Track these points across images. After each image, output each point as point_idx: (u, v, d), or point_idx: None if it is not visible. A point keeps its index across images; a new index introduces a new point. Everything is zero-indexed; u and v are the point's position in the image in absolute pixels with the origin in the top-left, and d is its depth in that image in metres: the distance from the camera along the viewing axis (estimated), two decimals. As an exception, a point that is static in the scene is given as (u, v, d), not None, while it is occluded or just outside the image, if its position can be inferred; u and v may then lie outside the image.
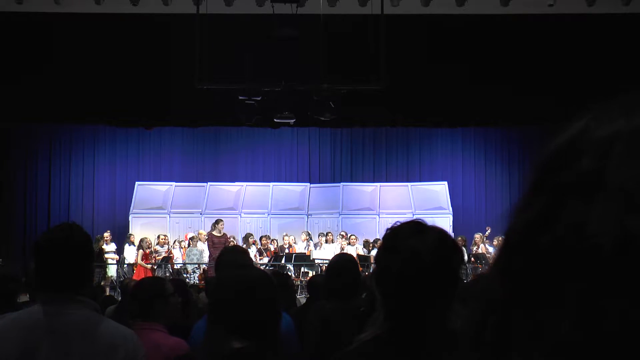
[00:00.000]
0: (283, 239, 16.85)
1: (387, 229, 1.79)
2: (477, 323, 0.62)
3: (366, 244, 16.45)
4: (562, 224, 0.56)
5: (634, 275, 0.53)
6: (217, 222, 15.75)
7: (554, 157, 0.60)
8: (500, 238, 15.12)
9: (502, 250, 0.62)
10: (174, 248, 16.18)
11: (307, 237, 16.94)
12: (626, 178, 0.55)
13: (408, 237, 1.73)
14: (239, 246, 7.26)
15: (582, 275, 0.55)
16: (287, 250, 16.36)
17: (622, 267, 0.53)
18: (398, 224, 1.79)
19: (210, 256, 14.99)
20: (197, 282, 13.73)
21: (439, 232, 1.76)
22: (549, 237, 0.57)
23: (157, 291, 3.64)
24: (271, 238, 16.70)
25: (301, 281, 14.34)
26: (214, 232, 15.54)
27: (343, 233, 16.78)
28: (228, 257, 3.59)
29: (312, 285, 6.05)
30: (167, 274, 14.61)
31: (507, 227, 0.62)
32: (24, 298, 7.18)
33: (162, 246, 15.76)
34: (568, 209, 0.56)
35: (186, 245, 16.24)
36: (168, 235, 16.59)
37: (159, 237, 16.02)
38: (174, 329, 3.75)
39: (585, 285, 0.54)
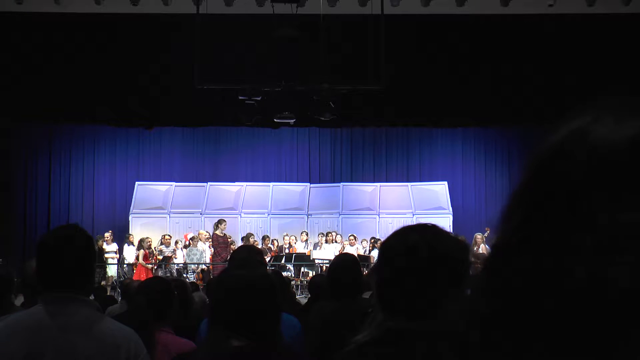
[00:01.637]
0: (283, 239, 16.84)
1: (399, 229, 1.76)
2: (463, 332, 0.62)
3: (370, 242, 16.39)
4: (540, 243, 0.56)
5: (599, 314, 0.53)
6: (219, 222, 15.73)
7: (544, 162, 0.59)
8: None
9: (486, 264, 0.62)
10: (174, 248, 16.16)
11: (306, 237, 16.94)
12: (612, 210, 0.54)
13: (407, 235, 1.69)
14: (253, 246, 7.25)
15: (552, 298, 0.54)
16: (287, 250, 16.35)
17: (590, 302, 0.53)
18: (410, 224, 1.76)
19: (217, 255, 14.99)
20: (196, 281, 13.71)
21: (439, 231, 1.72)
22: (526, 257, 0.56)
23: (166, 293, 3.66)
24: (271, 238, 16.69)
25: (301, 281, 14.34)
26: (217, 232, 15.54)
27: (335, 233, 16.76)
28: (242, 254, 3.59)
29: (313, 285, 6.04)
30: (168, 274, 14.60)
31: (494, 238, 0.62)
32: (21, 299, 7.13)
33: (167, 246, 15.74)
34: (547, 228, 0.56)
35: (186, 245, 16.21)
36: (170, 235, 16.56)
37: (163, 237, 16.00)
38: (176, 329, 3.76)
39: (557, 308, 0.54)
